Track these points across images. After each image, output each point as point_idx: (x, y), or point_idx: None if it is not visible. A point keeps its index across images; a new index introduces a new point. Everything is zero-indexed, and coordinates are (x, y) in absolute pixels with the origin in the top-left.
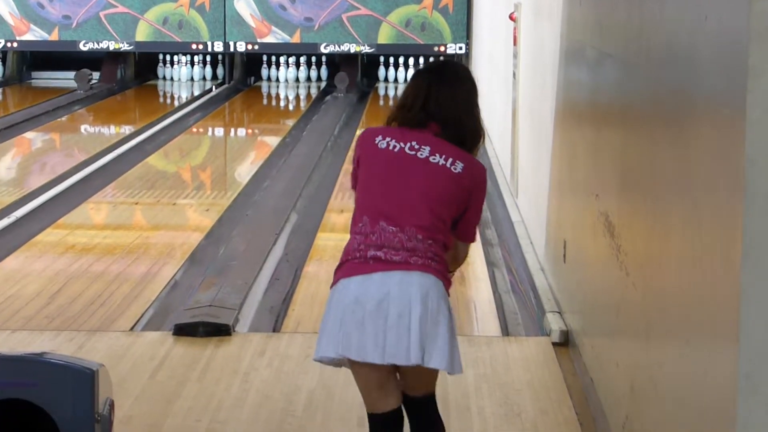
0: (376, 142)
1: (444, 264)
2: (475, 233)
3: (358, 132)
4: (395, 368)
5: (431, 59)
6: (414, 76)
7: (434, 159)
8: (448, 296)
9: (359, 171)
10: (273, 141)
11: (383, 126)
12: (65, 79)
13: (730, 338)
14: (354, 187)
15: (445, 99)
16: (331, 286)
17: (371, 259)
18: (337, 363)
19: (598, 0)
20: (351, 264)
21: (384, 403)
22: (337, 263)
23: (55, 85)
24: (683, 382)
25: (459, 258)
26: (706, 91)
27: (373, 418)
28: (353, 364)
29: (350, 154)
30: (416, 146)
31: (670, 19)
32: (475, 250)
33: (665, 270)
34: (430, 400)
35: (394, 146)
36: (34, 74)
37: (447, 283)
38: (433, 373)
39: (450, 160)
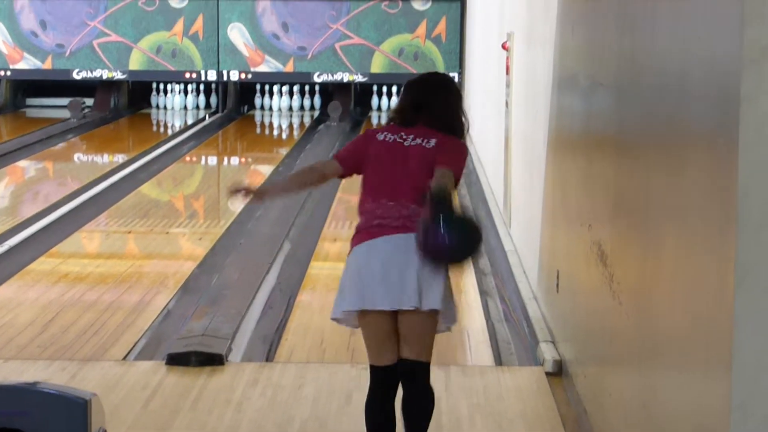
0: (377, 136)
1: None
2: (451, 165)
3: None
4: (396, 329)
5: None
6: (406, 85)
7: (414, 142)
8: None
9: (364, 165)
10: (266, 169)
11: (385, 125)
12: (58, 106)
13: (724, 367)
14: (337, 156)
15: (431, 102)
16: (348, 256)
17: (376, 227)
18: (353, 324)
19: (590, 29)
20: (360, 234)
21: (385, 356)
22: (330, 292)
23: (47, 115)
24: (677, 412)
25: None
26: (699, 119)
27: (375, 370)
28: (366, 316)
29: (343, 182)
30: (404, 136)
31: (662, 48)
32: (468, 279)
33: (658, 299)
34: (423, 368)
35: (389, 138)
36: (28, 101)
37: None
38: (429, 331)
39: (425, 139)
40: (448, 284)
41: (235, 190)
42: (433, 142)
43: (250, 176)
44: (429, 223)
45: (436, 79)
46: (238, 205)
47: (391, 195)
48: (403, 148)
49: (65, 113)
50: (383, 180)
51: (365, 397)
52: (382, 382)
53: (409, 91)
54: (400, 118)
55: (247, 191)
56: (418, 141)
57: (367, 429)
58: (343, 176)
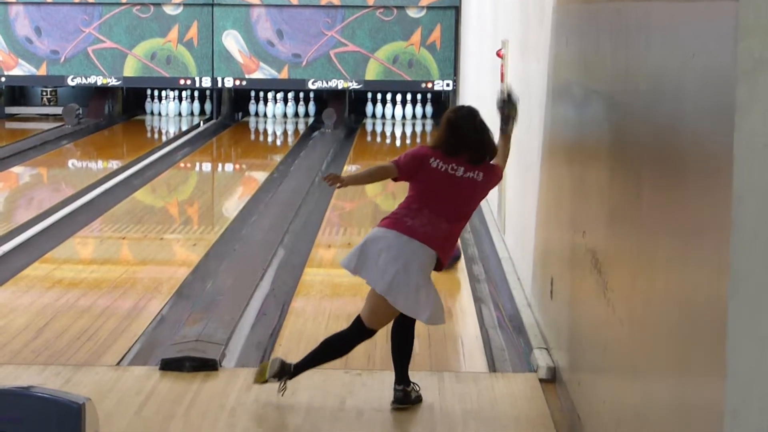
0: (431, 162)
1: (452, 242)
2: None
3: (346, 168)
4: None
5: (419, 96)
6: (447, 123)
7: (467, 175)
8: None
9: (417, 176)
10: (260, 176)
11: (431, 149)
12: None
13: (717, 375)
14: (398, 164)
15: (472, 140)
16: (377, 227)
17: (408, 226)
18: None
19: (584, 38)
20: (395, 222)
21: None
22: (324, 299)
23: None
24: (670, 419)
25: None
26: (693, 128)
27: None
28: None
29: (338, 191)
30: (455, 167)
31: (656, 57)
32: (462, 285)
33: (652, 306)
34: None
35: (441, 167)
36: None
37: (449, 254)
38: (379, 308)
39: (476, 172)
40: (430, 291)
41: (327, 178)
42: (480, 175)
43: (245, 183)
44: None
45: (475, 117)
46: (330, 189)
47: (434, 211)
48: (457, 180)
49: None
50: (434, 198)
51: (359, 403)
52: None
53: (451, 129)
54: (444, 150)
55: (336, 179)
56: (471, 174)
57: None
58: (396, 180)
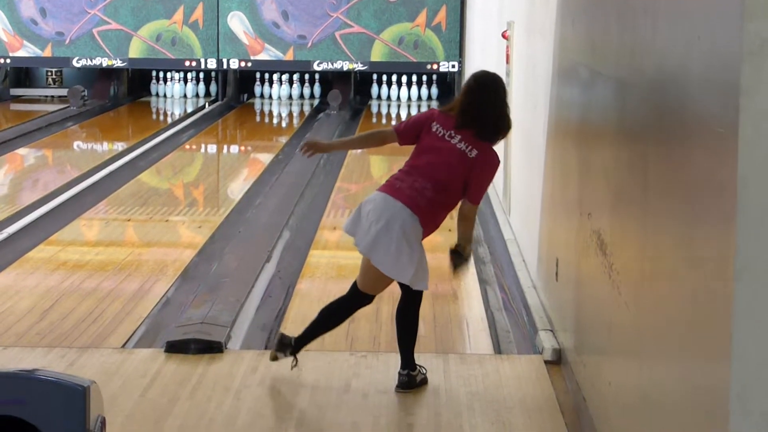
0: (432, 126)
1: (433, 215)
2: (479, 199)
3: (351, 150)
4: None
5: (424, 77)
6: (468, 90)
7: (460, 146)
8: (423, 236)
9: (417, 142)
10: (266, 158)
11: (441, 112)
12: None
13: (723, 357)
14: (397, 130)
15: (488, 112)
16: (376, 191)
17: (396, 189)
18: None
19: (590, 20)
20: (388, 185)
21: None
22: (330, 281)
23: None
24: (675, 401)
25: (469, 216)
26: (699, 110)
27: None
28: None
29: (342, 171)
30: (452, 134)
31: (662, 39)
32: (468, 267)
33: (658, 289)
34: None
35: (440, 132)
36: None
37: (429, 228)
38: (383, 280)
39: (470, 148)
40: (412, 254)
41: (306, 148)
42: (475, 153)
43: (250, 165)
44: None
45: (495, 87)
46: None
47: (423, 175)
48: (449, 146)
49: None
50: (424, 161)
51: (364, 385)
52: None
53: (467, 98)
54: (461, 120)
55: (313, 146)
56: (463, 147)
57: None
58: (401, 144)
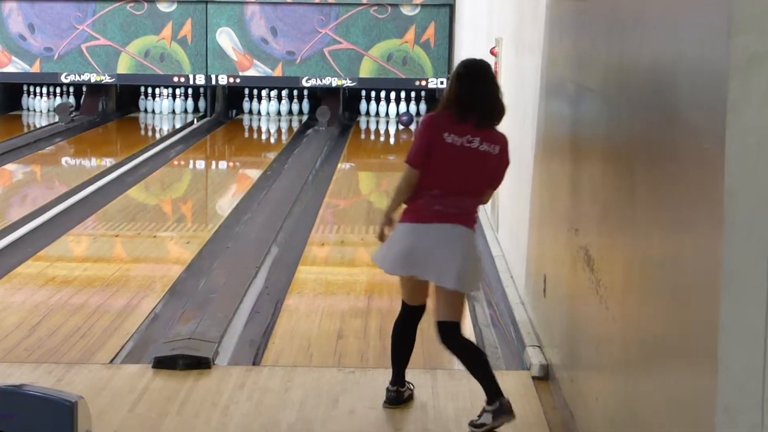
0: (444, 137)
1: (475, 217)
2: (501, 179)
3: (340, 165)
4: (427, 283)
5: (413, 93)
6: (458, 78)
7: (483, 148)
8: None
9: (431, 156)
10: (254, 174)
11: (438, 116)
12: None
13: (709, 371)
14: (413, 165)
15: (484, 96)
16: (402, 221)
17: (435, 213)
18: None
19: (578, 36)
20: (420, 213)
21: (415, 300)
22: (318, 296)
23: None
24: (663, 415)
25: (486, 200)
26: (686, 125)
27: (405, 305)
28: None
29: (331, 186)
30: (470, 139)
31: (649, 54)
32: None
33: (645, 303)
34: (455, 326)
35: (457, 141)
36: None
37: (474, 228)
38: (459, 300)
39: (492, 145)
40: (476, 260)
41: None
42: (497, 149)
43: (238, 180)
44: None
45: (485, 72)
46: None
47: (457, 190)
48: (474, 153)
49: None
50: (453, 176)
51: (352, 401)
52: (408, 315)
53: (461, 84)
54: (459, 113)
55: (386, 224)
56: (486, 148)
57: (392, 344)
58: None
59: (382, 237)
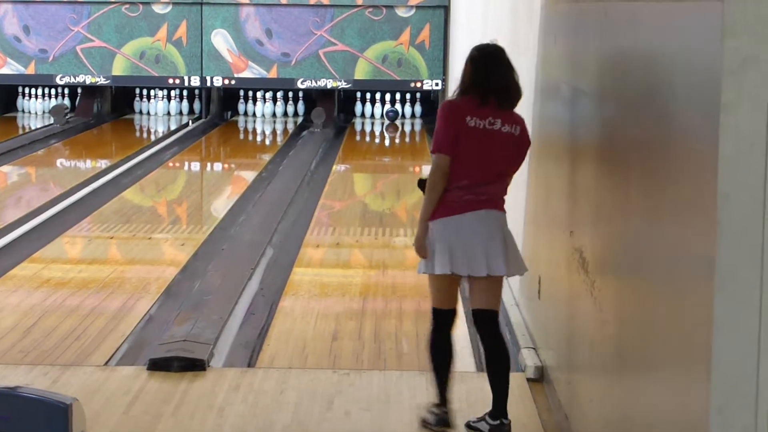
0: (467, 121)
1: (504, 200)
2: (521, 161)
3: (335, 167)
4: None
5: (408, 95)
6: (472, 61)
7: (505, 129)
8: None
9: (457, 143)
10: (249, 176)
11: (457, 101)
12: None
13: (703, 373)
14: (444, 152)
15: (500, 77)
16: (432, 219)
17: (467, 202)
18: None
19: (572, 37)
20: (453, 206)
21: (448, 303)
22: (313, 298)
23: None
24: (657, 417)
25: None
26: (680, 126)
27: (438, 312)
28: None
29: (326, 188)
30: (492, 121)
31: (643, 56)
32: None
33: (639, 305)
34: (496, 315)
35: (479, 125)
36: None
37: (504, 211)
38: (499, 286)
39: (513, 126)
40: (512, 245)
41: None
42: (518, 129)
43: (234, 182)
44: None
45: (498, 53)
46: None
47: (485, 175)
48: (497, 135)
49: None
50: (480, 164)
51: (346, 403)
52: (443, 323)
53: (478, 66)
54: (479, 96)
55: (421, 244)
56: (508, 129)
57: (432, 360)
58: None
59: (422, 250)
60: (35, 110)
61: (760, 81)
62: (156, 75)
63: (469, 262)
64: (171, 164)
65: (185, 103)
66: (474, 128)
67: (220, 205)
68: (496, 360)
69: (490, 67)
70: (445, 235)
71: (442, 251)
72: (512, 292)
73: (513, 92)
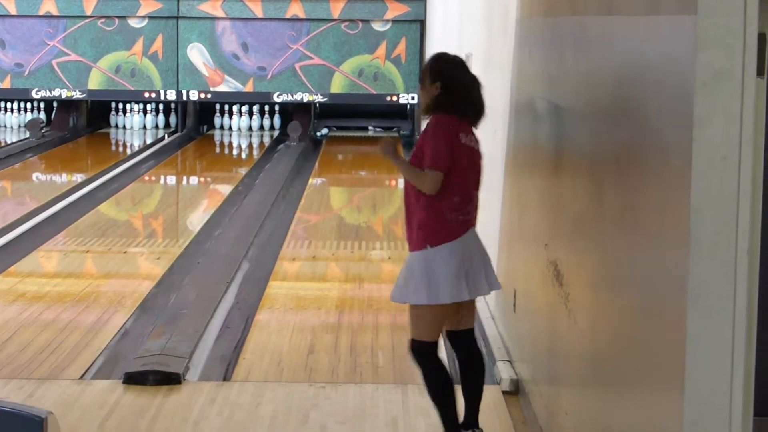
0: (461, 138)
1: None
2: None
3: (311, 181)
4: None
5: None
6: (451, 78)
7: (477, 147)
8: None
9: (455, 161)
10: (225, 189)
11: (448, 117)
12: None
13: (676, 386)
14: (440, 167)
15: (478, 96)
16: (430, 246)
17: (463, 223)
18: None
19: (547, 52)
20: (453, 228)
21: (439, 332)
22: (288, 312)
23: None
24: (632, 429)
25: None
26: (653, 140)
27: (433, 344)
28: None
29: (302, 202)
30: (473, 139)
31: (617, 70)
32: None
33: (613, 318)
34: (473, 332)
35: (467, 142)
36: None
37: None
38: (474, 306)
39: (478, 143)
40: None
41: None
42: (479, 146)
43: (210, 196)
44: None
45: (467, 67)
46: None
47: (470, 193)
48: (476, 152)
49: None
50: (466, 180)
51: (322, 416)
52: (437, 352)
53: (456, 87)
54: (462, 112)
55: (391, 152)
56: (478, 146)
57: (442, 392)
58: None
59: (387, 147)
60: (11, 124)
61: (733, 94)
62: (132, 89)
63: (474, 284)
64: (147, 178)
65: (161, 116)
66: (464, 145)
67: (196, 219)
68: (473, 369)
69: (469, 81)
70: (454, 262)
71: (456, 277)
72: (488, 305)
73: (483, 108)
